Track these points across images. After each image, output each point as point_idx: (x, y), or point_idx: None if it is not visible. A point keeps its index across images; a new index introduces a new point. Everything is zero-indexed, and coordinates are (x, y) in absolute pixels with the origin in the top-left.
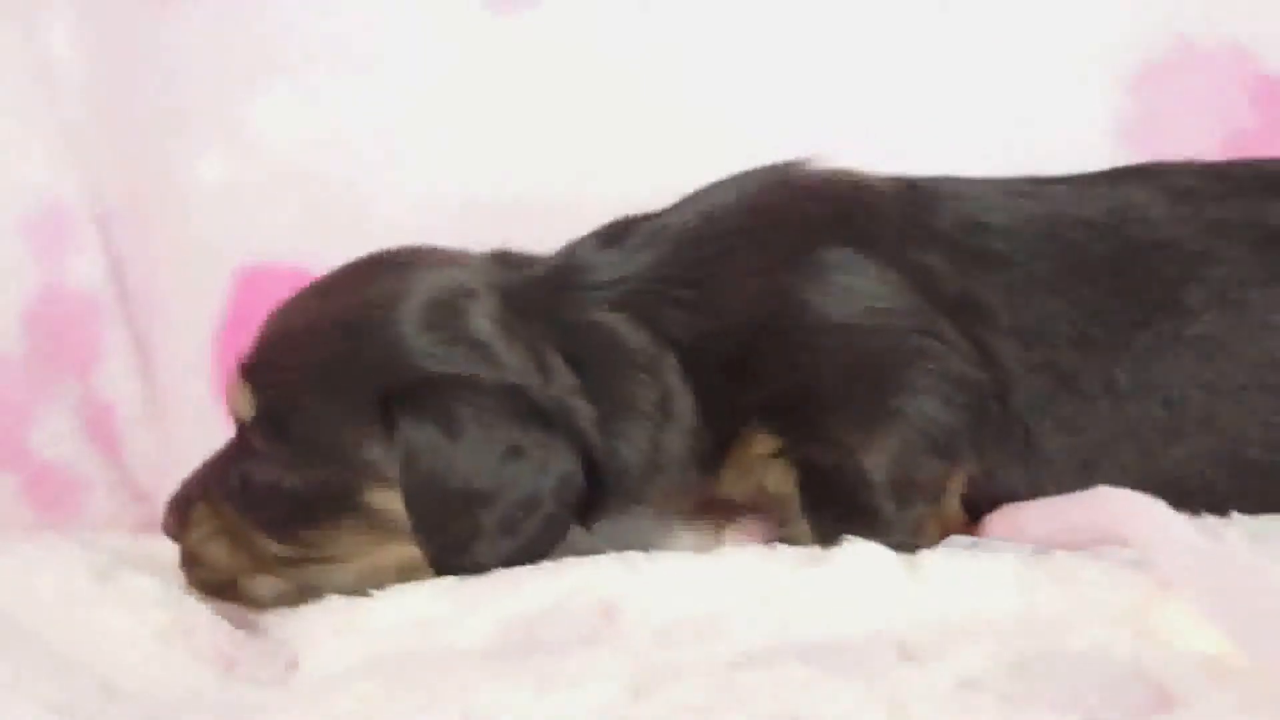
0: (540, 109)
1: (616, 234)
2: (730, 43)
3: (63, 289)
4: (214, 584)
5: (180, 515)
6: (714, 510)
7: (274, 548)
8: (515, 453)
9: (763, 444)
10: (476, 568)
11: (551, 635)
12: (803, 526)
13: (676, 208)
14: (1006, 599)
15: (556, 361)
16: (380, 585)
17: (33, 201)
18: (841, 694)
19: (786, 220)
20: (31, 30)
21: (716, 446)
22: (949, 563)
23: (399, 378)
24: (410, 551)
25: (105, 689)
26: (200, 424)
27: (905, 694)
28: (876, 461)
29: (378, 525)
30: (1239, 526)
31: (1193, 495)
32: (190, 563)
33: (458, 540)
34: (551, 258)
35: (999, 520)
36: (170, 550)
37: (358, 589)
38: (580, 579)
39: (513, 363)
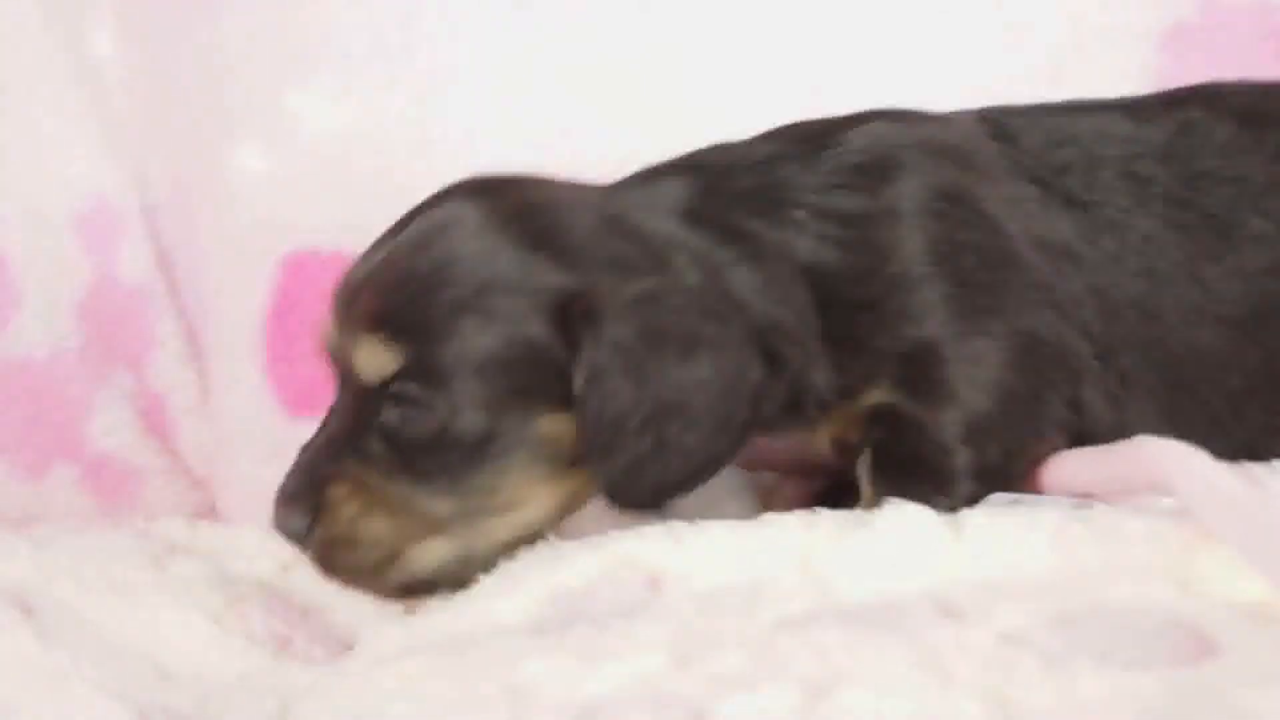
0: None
1: (809, 147)
2: (728, 43)
3: (114, 282)
4: (365, 567)
5: (305, 505)
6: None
7: (440, 505)
8: (702, 361)
9: (877, 396)
10: (654, 489)
11: (596, 608)
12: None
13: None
14: (1047, 555)
15: (730, 259)
16: (545, 529)
17: (82, 197)
18: (883, 653)
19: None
20: (76, 31)
21: (840, 393)
22: (990, 521)
23: (573, 292)
24: (575, 483)
25: (160, 673)
26: (252, 411)
27: (947, 651)
28: (959, 424)
29: (549, 457)
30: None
31: (1258, 426)
32: (338, 548)
33: (641, 458)
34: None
35: (1044, 473)
36: (224, 536)
37: (523, 537)
38: (625, 551)
39: (691, 265)
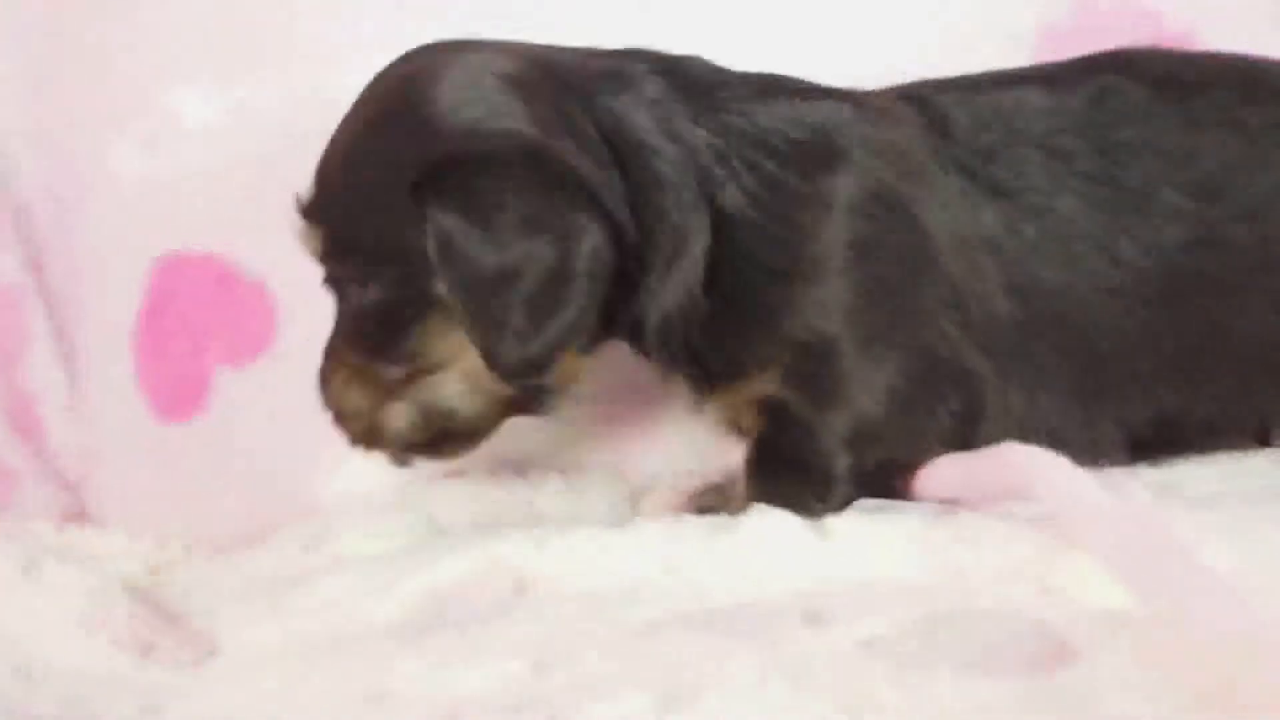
0: None
1: (770, 98)
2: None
3: None
4: (365, 434)
5: (324, 377)
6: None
7: (391, 372)
8: (538, 225)
9: (769, 384)
10: (525, 358)
11: (464, 610)
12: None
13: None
14: (911, 560)
15: (589, 129)
16: (488, 405)
17: None
18: (742, 659)
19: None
20: None
21: (729, 363)
22: (855, 526)
23: (423, 160)
24: None
25: (23, 675)
26: (123, 413)
27: (806, 658)
28: (843, 428)
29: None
30: (1144, 478)
31: (1170, 406)
32: (340, 421)
33: (495, 323)
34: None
35: (915, 479)
36: (95, 539)
37: (471, 400)
38: (492, 553)
39: (540, 126)
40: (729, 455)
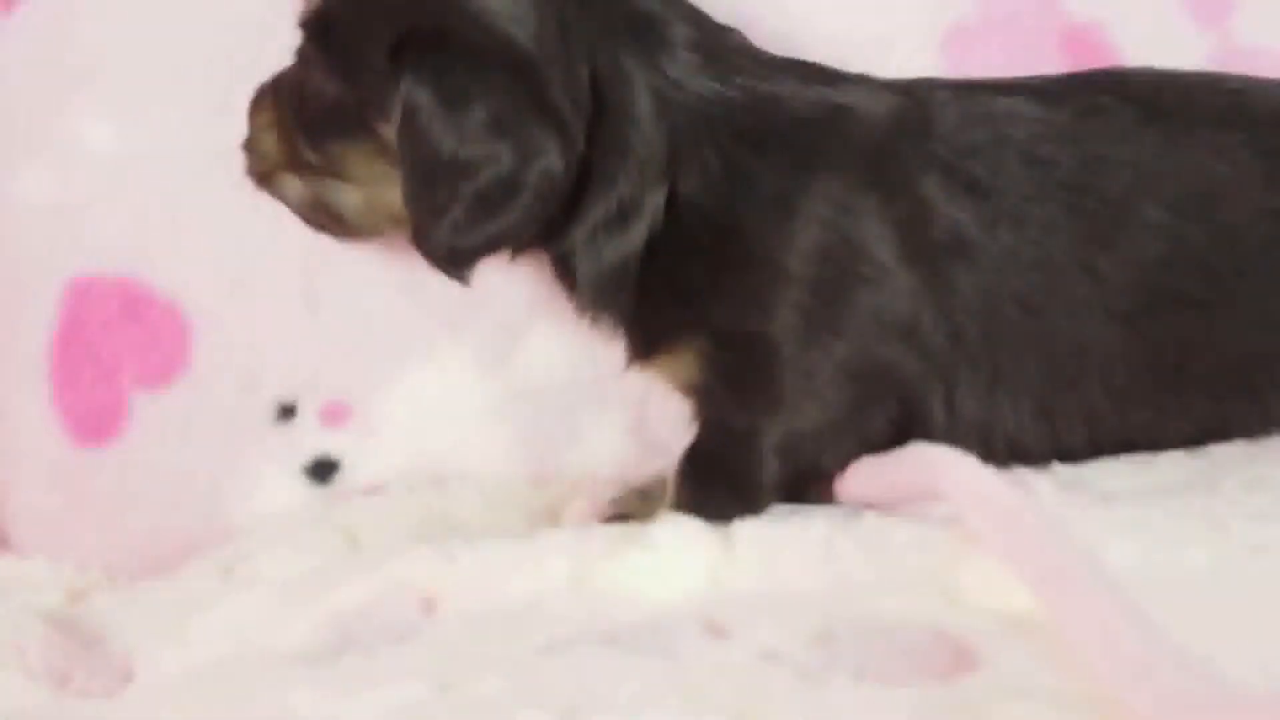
0: None
1: (718, 48)
2: None
3: None
4: (259, 174)
5: (257, 100)
6: None
7: (306, 152)
8: (503, 131)
9: (689, 361)
10: (447, 246)
11: (369, 632)
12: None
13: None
14: (816, 568)
15: (582, 72)
16: (380, 224)
17: None
18: (641, 675)
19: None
20: None
21: (645, 341)
22: (762, 534)
23: (418, 23)
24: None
25: None
26: (38, 439)
27: (704, 671)
28: (778, 436)
29: (388, 158)
30: (1053, 477)
31: (1141, 421)
32: (247, 148)
33: (437, 207)
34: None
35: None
36: (12, 567)
37: (364, 218)
38: (399, 573)
39: (539, 44)
40: (650, 462)
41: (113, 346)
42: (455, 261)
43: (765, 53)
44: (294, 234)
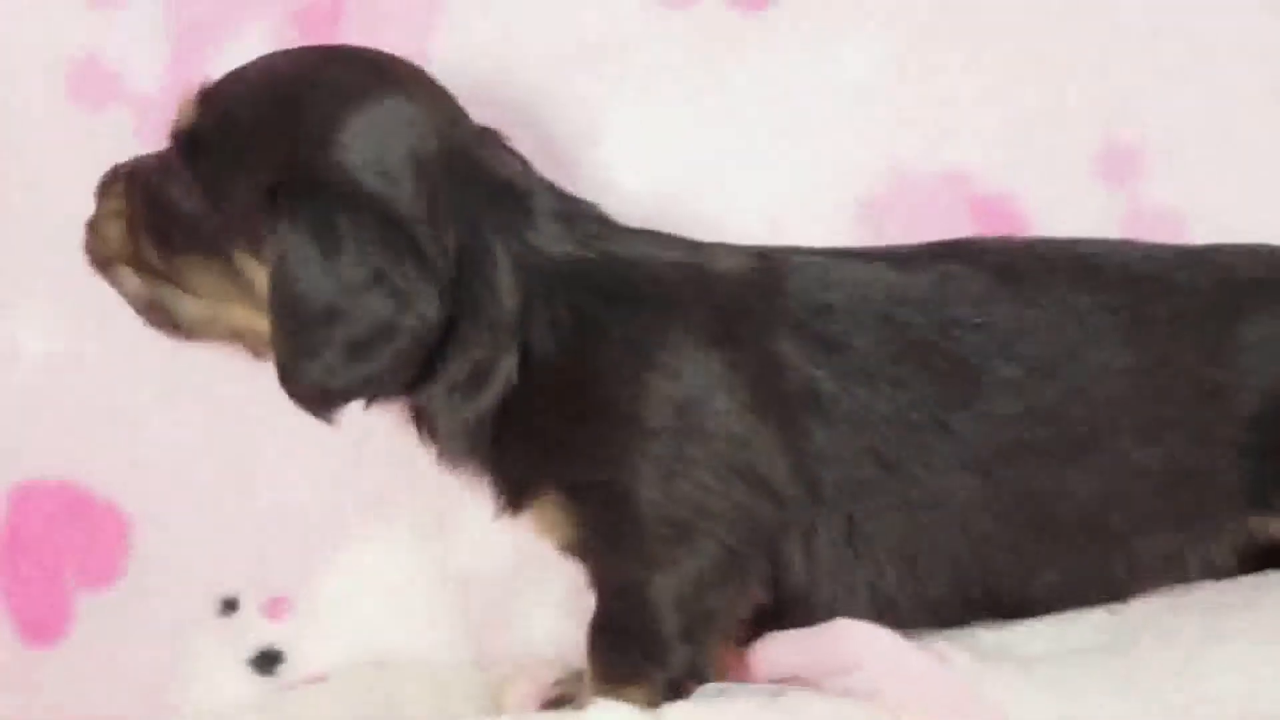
0: None
1: (577, 216)
2: None
3: None
4: (98, 259)
5: (106, 183)
6: None
7: (150, 254)
8: (382, 281)
9: (554, 514)
10: (317, 388)
11: None
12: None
13: (642, 239)
14: None
15: (449, 235)
16: (218, 335)
17: None
18: None
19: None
20: None
21: (513, 487)
22: (690, 716)
23: (298, 173)
24: (257, 324)
25: None
26: None
27: None
28: (666, 588)
29: (240, 286)
30: (972, 645)
31: (1005, 570)
32: (90, 228)
33: (310, 349)
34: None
35: (754, 657)
36: None
37: (202, 327)
38: None
39: (412, 203)
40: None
41: (55, 548)
42: (323, 402)
43: (623, 223)
44: (230, 430)
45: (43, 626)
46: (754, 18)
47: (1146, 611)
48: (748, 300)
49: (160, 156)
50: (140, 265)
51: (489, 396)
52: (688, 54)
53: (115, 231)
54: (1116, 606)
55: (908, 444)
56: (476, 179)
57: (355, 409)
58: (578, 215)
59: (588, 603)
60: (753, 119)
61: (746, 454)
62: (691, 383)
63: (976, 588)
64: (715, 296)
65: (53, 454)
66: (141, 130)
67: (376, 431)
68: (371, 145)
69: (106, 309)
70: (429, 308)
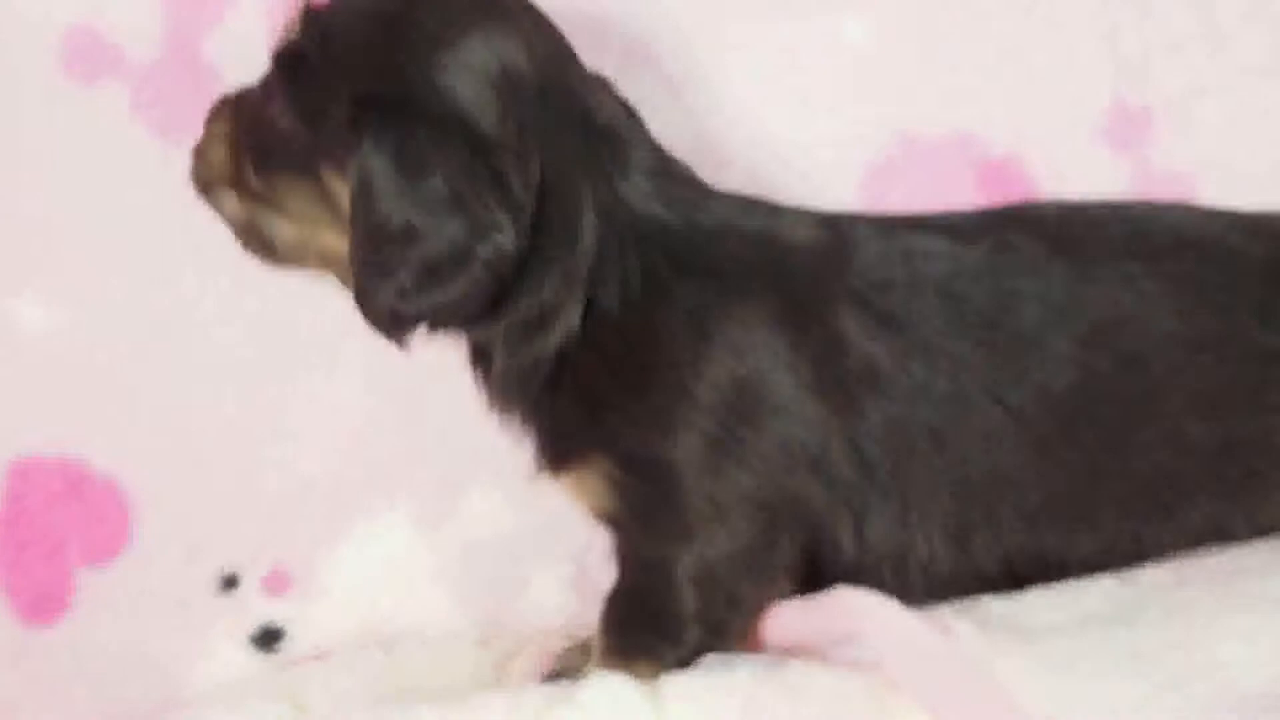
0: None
1: (671, 176)
2: None
3: None
4: (202, 182)
5: (215, 109)
6: None
7: (250, 176)
8: (460, 205)
9: (596, 481)
10: (390, 310)
11: None
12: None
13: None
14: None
15: (534, 169)
16: (308, 261)
17: None
18: None
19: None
20: None
21: (559, 446)
22: (688, 688)
23: (386, 90)
24: (345, 250)
25: None
26: None
27: None
28: (692, 567)
29: (329, 208)
30: (976, 616)
31: (1055, 543)
32: (196, 153)
33: (383, 268)
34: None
35: (763, 627)
36: None
37: (294, 252)
38: None
39: (499, 130)
40: (595, 613)
41: (56, 525)
42: (395, 325)
43: (711, 186)
44: (230, 406)
45: (44, 603)
46: None
47: (1156, 580)
48: (815, 275)
49: (264, 81)
50: (240, 187)
51: (549, 342)
52: (693, 18)
53: (219, 154)
54: (1127, 574)
55: (964, 421)
56: (575, 119)
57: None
58: (672, 176)
59: (593, 576)
60: (756, 89)
61: (803, 437)
62: (753, 362)
63: (1028, 563)
64: (785, 272)
65: (52, 430)
66: (138, 104)
67: (380, 407)
68: (464, 68)
69: (105, 283)
70: (505, 238)
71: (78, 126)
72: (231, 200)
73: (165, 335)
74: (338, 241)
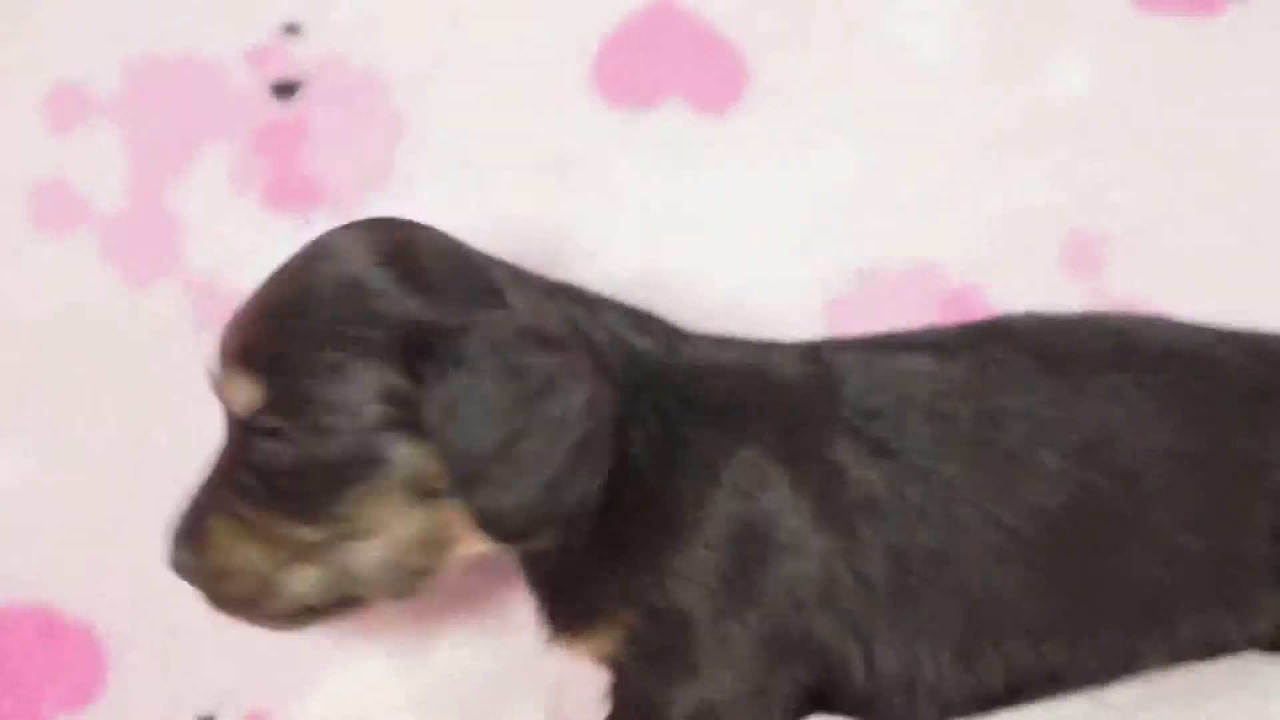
0: None
1: (642, 316)
2: None
3: None
4: (244, 596)
5: (190, 541)
6: None
7: (305, 533)
8: (538, 379)
9: (617, 627)
10: (523, 515)
11: None
12: None
13: (701, 342)
14: None
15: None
16: (417, 560)
17: None
18: None
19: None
20: None
21: (567, 612)
22: None
23: (423, 324)
24: (437, 517)
25: None
26: None
27: None
28: (688, 706)
29: (405, 487)
30: None
31: (1060, 661)
32: (220, 580)
33: (502, 483)
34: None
35: None
36: None
37: (390, 570)
38: None
39: (524, 303)
40: None
41: (31, 673)
42: (534, 528)
43: (675, 324)
44: None
45: None
46: (717, 124)
47: (1124, 700)
48: (808, 410)
49: (228, 463)
50: (302, 554)
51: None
52: (650, 160)
53: (252, 553)
54: (1097, 695)
55: (962, 542)
56: (545, 289)
57: None
58: (642, 315)
59: (567, 711)
60: (718, 224)
61: (810, 572)
62: (759, 502)
63: (1034, 680)
64: (779, 409)
65: (25, 578)
66: (108, 252)
67: None
68: (455, 268)
69: (74, 432)
70: (587, 378)
71: (50, 276)
72: (305, 574)
73: (137, 483)
74: (428, 517)
